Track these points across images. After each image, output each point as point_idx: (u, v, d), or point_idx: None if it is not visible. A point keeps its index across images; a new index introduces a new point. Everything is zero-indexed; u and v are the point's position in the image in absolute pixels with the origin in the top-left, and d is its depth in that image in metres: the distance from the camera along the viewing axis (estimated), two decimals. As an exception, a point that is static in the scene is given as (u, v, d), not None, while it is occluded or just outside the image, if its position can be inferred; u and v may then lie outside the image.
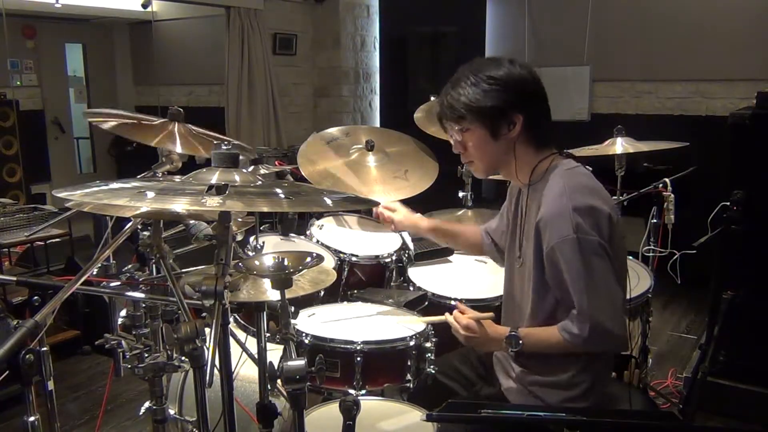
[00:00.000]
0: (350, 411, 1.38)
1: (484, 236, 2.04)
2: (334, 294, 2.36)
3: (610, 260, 1.55)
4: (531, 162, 1.66)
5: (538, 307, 1.64)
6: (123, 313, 1.64)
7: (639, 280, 2.46)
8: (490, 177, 1.77)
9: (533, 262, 1.61)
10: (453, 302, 2.15)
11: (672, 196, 2.44)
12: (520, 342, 1.63)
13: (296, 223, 2.74)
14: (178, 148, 1.78)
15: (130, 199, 1.14)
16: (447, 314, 1.81)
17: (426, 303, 2.21)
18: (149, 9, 5.91)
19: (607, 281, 1.55)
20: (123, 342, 1.57)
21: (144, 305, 1.63)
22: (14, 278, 1.70)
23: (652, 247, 2.54)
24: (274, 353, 1.41)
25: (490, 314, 1.71)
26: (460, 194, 2.86)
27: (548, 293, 1.61)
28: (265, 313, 1.44)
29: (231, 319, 1.81)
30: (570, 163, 1.66)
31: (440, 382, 1.90)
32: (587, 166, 1.69)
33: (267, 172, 2.52)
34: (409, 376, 1.86)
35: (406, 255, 2.47)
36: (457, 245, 2.23)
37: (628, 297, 2.33)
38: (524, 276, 1.67)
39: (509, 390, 1.74)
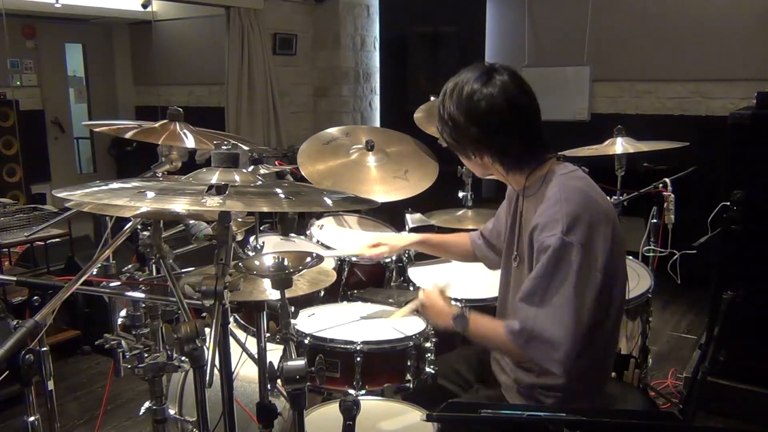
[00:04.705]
0: (350, 411, 1.38)
1: (476, 239, 2.04)
2: (334, 294, 2.36)
3: (590, 274, 1.47)
4: (522, 173, 1.63)
5: None
6: (123, 313, 1.64)
7: (639, 280, 2.46)
8: (490, 177, 1.77)
9: (528, 269, 1.59)
10: (453, 302, 2.15)
11: (672, 196, 2.43)
12: (468, 324, 1.63)
13: (296, 223, 2.74)
14: (190, 143, 1.79)
15: (130, 199, 1.14)
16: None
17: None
18: (149, 9, 5.91)
19: (572, 296, 1.45)
20: (123, 342, 1.57)
21: (144, 305, 1.63)
22: (14, 278, 1.70)
23: (652, 247, 2.54)
24: (274, 353, 1.41)
25: (449, 282, 1.82)
26: (460, 194, 2.86)
27: None
28: (265, 313, 1.44)
29: (231, 319, 1.81)
30: (567, 167, 1.62)
31: (439, 384, 1.90)
32: (584, 167, 1.66)
33: (267, 172, 2.52)
34: (409, 376, 1.86)
35: (406, 255, 2.47)
36: (447, 254, 2.22)
37: (627, 297, 2.34)
38: (520, 281, 1.65)
39: (507, 389, 1.74)
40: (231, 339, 1.39)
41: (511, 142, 1.58)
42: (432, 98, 2.93)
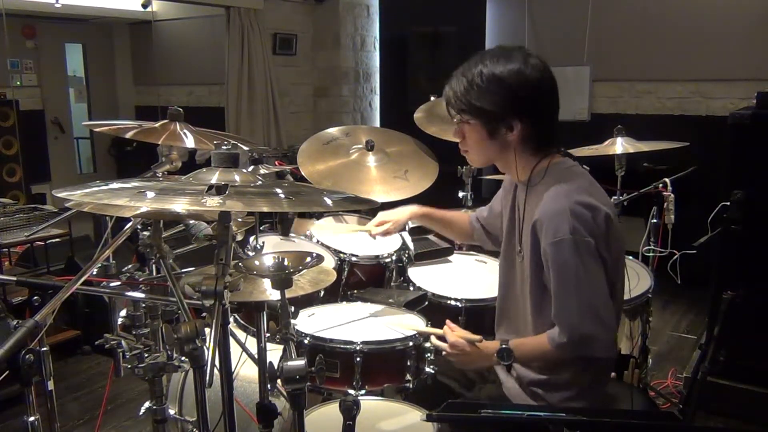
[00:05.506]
0: (350, 411, 1.38)
1: (474, 222, 2.08)
2: (334, 294, 2.35)
3: (604, 263, 1.53)
4: (530, 162, 1.65)
5: (539, 306, 1.63)
6: (123, 313, 1.64)
7: (639, 280, 2.46)
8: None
9: (531, 261, 1.60)
10: (453, 302, 2.16)
11: (672, 196, 2.43)
12: (513, 355, 1.62)
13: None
14: (190, 143, 1.79)
15: (130, 199, 1.14)
16: (433, 338, 1.81)
17: (426, 303, 2.21)
18: (149, 9, 5.91)
19: (595, 285, 1.52)
20: (123, 342, 1.57)
21: (144, 305, 1.63)
22: (14, 278, 1.70)
23: (652, 247, 2.54)
24: (274, 353, 1.41)
25: (479, 337, 1.69)
26: (460, 194, 2.86)
27: (546, 293, 1.60)
28: (265, 313, 1.44)
29: (231, 319, 1.81)
30: (568, 162, 1.65)
31: (440, 381, 1.90)
32: (584, 165, 1.68)
33: (267, 172, 2.52)
34: (408, 376, 1.86)
35: (406, 255, 2.47)
36: (447, 231, 2.25)
37: (628, 297, 2.35)
38: (524, 274, 1.66)
39: (509, 388, 1.74)
40: (231, 339, 1.39)
41: (548, 111, 1.63)
42: (432, 98, 2.93)
